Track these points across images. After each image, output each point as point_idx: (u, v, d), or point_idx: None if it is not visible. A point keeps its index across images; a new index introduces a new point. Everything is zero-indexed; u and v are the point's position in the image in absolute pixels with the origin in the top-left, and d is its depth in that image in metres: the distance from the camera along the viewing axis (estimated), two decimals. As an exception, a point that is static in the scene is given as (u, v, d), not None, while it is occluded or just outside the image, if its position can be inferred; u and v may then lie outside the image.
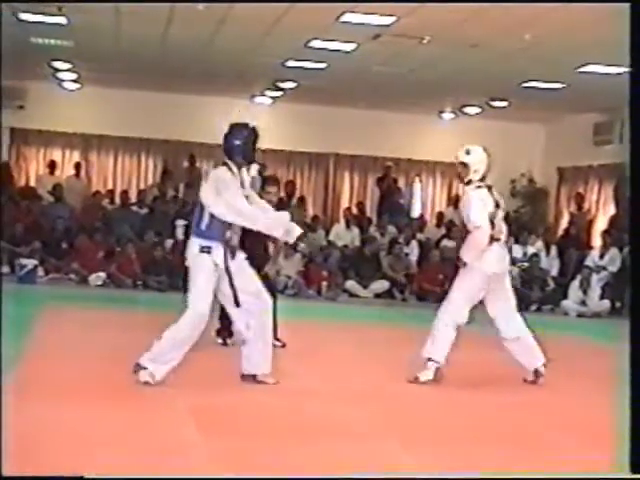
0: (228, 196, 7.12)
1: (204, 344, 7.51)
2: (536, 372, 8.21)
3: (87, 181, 20.26)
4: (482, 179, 8.06)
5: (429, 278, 16.18)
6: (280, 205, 18.73)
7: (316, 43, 13.89)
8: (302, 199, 19.95)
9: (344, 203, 21.34)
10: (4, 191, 17.66)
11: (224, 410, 6.60)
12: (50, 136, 20.59)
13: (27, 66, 17.84)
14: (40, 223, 16.43)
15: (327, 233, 18.01)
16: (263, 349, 7.36)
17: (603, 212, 19.21)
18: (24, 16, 13.29)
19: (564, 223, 19.96)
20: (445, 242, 17.62)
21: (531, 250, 16.92)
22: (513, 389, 8.16)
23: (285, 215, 7.47)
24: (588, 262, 16.27)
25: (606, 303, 15.42)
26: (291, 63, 15.71)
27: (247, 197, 7.39)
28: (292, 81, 17.68)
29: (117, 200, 18.44)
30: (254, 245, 8.55)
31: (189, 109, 19.70)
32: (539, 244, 17.28)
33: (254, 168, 21.06)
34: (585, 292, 15.58)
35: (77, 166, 19.89)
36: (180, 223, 16.53)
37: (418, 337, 8.27)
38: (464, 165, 8.06)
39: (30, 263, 14.69)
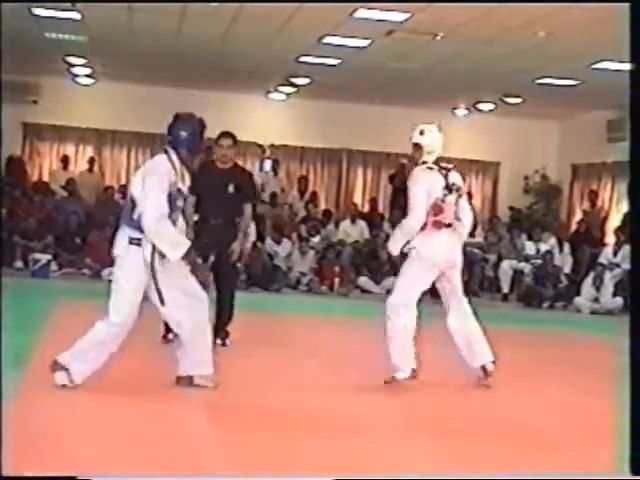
0: (148, 188, 6.55)
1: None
2: (484, 369, 7.81)
3: (100, 176, 20.29)
4: (436, 161, 7.66)
5: (442, 274, 16.14)
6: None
7: (330, 39, 13.88)
8: (314, 195, 19.97)
9: (357, 199, 21.33)
10: (17, 186, 17.73)
11: (237, 407, 6.61)
12: (64, 131, 20.62)
13: (41, 61, 17.91)
14: (53, 218, 16.48)
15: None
16: (200, 349, 6.86)
17: (616, 209, 19.15)
18: (38, 11, 13.33)
19: (577, 220, 19.92)
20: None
21: (544, 247, 16.88)
22: (515, 386, 8.14)
23: (186, 242, 6.67)
24: (601, 259, 16.23)
25: (619, 300, 15.38)
26: (305, 59, 15.70)
27: (184, 198, 6.83)
28: (306, 77, 17.67)
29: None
30: (221, 220, 8.35)
31: (203, 104, 19.58)
32: (552, 241, 17.25)
33: (267, 164, 21.00)
34: (598, 289, 15.55)
35: (91, 161, 19.94)
36: (195, 218, 16.54)
37: (430, 333, 8.26)
38: (417, 146, 7.64)
39: (44, 258, 14.74)
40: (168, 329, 8.38)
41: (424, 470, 5.33)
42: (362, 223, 17.92)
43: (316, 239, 17.07)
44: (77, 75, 19.41)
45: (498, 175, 22.16)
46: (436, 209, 7.47)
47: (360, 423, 6.40)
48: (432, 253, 7.48)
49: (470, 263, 16.87)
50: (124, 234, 6.60)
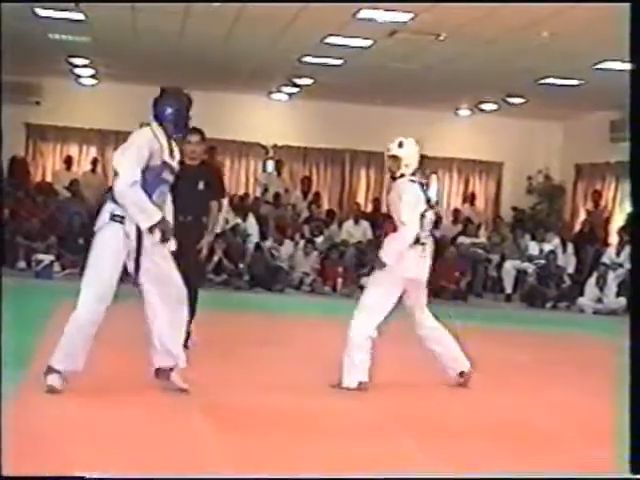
0: (124, 157, 6.46)
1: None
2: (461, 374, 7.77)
3: (103, 177, 20.29)
4: (413, 174, 7.52)
5: (444, 275, 16.14)
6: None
7: (333, 39, 13.88)
8: (318, 195, 19.97)
9: (360, 200, 21.33)
10: (21, 187, 17.74)
11: (237, 408, 6.60)
12: (67, 132, 20.63)
13: (44, 62, 17.92)
14: (56, 218, 16.48)
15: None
16: (176, 339, 6.73)
17: (620, 209, 19.14)
18: (41, 12, 13.33)
19: (581, 220, 19.91)
20: (461, 239, 17.61)
21: (547, 247, 16.89)
22: (516, 386, 8.14)
23: (158, 213, 6.50)
24: (604, 259, 16.22)
25: (622, 300, 15.37)
26: (308, 59, 15.70)
27: (172, 172, 6.67)
28: (309, 77, 17.66)
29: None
30: (191, 218, 8.14)
31: (206, 105, 19.62)
32: (555, 241, 17.24)
33: (270, 165, 21.04)
34: (601, 289, 15.54)
35: (94, 162, 19.95)
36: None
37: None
38: (395, 158, 7.46)
39: (47, 258, 14.74)
40: None
41: (427, 469, 5.33)
42: (365, 223, 17.92)
43: (319, 239, 17.07)
44: (80, 76, 19.43)
45: (501, 175, 22.15)
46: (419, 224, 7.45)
47: (361, 423, 6.40)
48: (403, 269, 7.39)
49: (473, 263, 16.90)
50: (106, 210, 6.47)
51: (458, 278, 16.22)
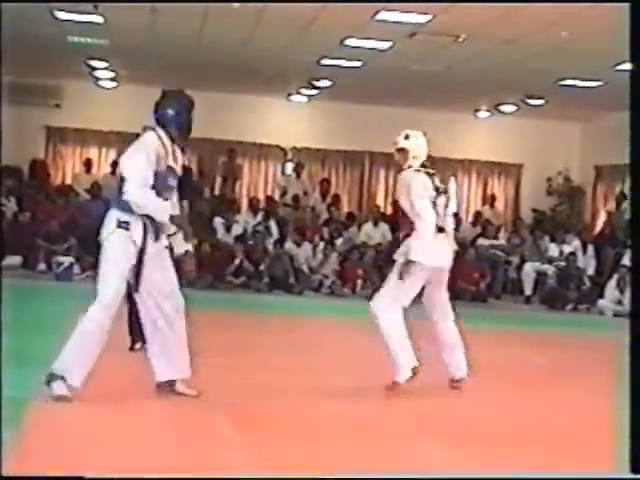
0: (133, 161, 6.34)
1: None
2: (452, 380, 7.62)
3: (123, 179, 20.32)
4: (423, 166, 7.43)
5: (464, 277, 16.11)
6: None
7: (352, 41, 13.88)
8: (337, 197, 19.95)
9: (379, 201, 21.30)
10: (41, 189, 17.81)
11: (256, 409, 6.60)
12: (86, 134, 20.70)
13: (64, 65, 17.99)
14: (76, 221, 16.53)
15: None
16: (179, 352, 6.56)
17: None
18: (60, 15, 13.38)
19: (603, 221, 19.81)
20: (481, 241, 17.57)
21: (567, 249, 16.83)
22: (533, 389, 8.10)
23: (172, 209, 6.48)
24: (625, 261, 16.14)
25: (643, 302, 15.27)
26: (327, 61, 15.71)
27: (176, 177, 6.54)
28: (327, 79, 17.67)
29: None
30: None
31: (225, 107, 19.72)
32: (576, 243, 17.18)
33: (290, 167, 21.04)
34: (622, 291, 15.46)
35: (113, 164, 19.95)
36: (218, 221, 16.62)
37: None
38: (403, 151, 7.47)
39: (66, 260, 14.79)
40: (134, 339, 8.18)
41: (432, 469, 5.33)
42: (384, 225, 17.89)
43: (338, 241, 17.06)
44: (100, 78, 19.48)
45: (520, 177, 22.07)
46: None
47: (380, 425, 6.38)
48: (425, 259, 7.25)
49: (493, 265, 16.85)
50: (112, 217, 6.40)
51: (477, 280, 16.19)
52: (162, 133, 6.46)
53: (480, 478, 5.19)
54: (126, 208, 6.31)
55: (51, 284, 14.01)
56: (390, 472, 5.16)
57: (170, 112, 6.51)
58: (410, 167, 7.42)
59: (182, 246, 6.65)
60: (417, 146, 7.48)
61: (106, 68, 18.34)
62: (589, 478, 5.19)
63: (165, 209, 6.38)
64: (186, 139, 6.73)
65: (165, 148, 6.43)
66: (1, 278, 9.25)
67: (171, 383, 6.62)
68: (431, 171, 7.48)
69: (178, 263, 6.65)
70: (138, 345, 8.05)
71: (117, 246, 6.34)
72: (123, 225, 6.32)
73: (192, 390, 6.63)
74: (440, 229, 7.41)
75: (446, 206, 7.52)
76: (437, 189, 7.40)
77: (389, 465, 5.35)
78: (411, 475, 5.14)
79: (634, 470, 4.63)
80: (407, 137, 7.53)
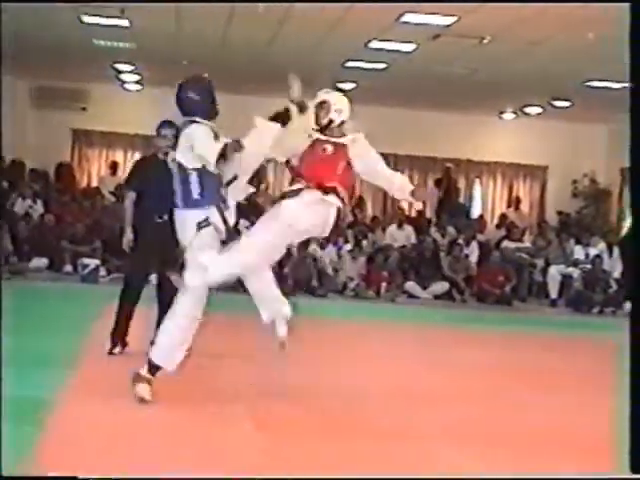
0: (209, 144, 6.36)
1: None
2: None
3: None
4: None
5: (489, 279, 16.07)
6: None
7: (376, 44, 13.87)
8: (361, 199, 19.93)
9: (403, 204, 21.25)
10: (66, 192, 17.90)
11: (281, 410, 6.60)
12: (112, 137, 20.80)
13: (90, 68, 18.08)
14: (102, 223, 16.60)
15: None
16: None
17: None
18: (87, 19, 13.45)
19: (627, 224, 19.71)
20: (506, 243, 17.51)
21: (593, 251, 16.74)
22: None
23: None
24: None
25: (670, 305, 15.17)
26: (351, 64, 15.71)
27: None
28: (352, 82, 17.67)
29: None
30: (168, 218, 7.17)
31: (249, 110, 19.67)
32: (601, 245, 17.08)
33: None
34: (648, 294, 15.36)
35: (113, 165, 20.06)
36: (243, 224, 16.61)
37: (477, 339, 8.21)
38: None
39: (92, 263, 14.84)
40: (114, 343, 8.02)
41: (437, 470, 5.34)
42: (409, 228, 17.87)
43: (363, 244, 17.03)
44: (125, 81, 19.57)
45: (546, 179, 22.00)
46: None
47: (406, 428, 6.38)
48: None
49: (518, 268, 16.79)
50: (188, 219, 6.30)
51: (503, 283, 16.13)
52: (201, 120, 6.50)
53: (480, 478, 5.19)
54: (205, 203, 6.28)
55: (77, 286, 14.07)
56: (409, 474, 5.17)
57: (195, 97, 6.67)
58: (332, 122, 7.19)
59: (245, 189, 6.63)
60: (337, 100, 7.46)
61: (131, 71, 18.43)
62: (589, 478, 5.18)
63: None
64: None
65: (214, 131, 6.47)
66: (1, 278, 9.33)
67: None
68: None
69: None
70: (117, 349, 7.98)
71: (206, 245, 6.25)
72: (204, 224, 6.26)
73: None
74: None
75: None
76: None
77: (408, 469, 5.35)
78: (424, 476, 5.15)
79: (634, 470, 4.60)
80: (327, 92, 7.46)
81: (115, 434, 5.62)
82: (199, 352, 6.80)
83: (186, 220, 6.33)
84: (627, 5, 10.58)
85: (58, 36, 14.79)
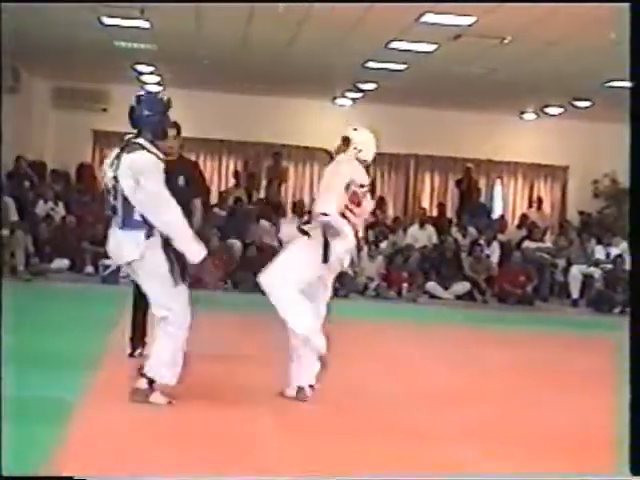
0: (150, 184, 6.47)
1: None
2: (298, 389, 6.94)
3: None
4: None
5: (510, 280, 16.04)
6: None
7: (396, 44, 13.85)
8: (382, 200, 19.92)
9: (425, 204, 21.25)
10: (87, 192, 17.96)
11: (304, 411, 6.61)
12: (133, 138, 20.84)
13: (110, 69, 18.15)
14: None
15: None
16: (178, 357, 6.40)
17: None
18: (107, 20, 13.49)
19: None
20: (527, 243, 17.46)
21: (615, 251, 16.67)
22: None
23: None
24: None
25: (692, 306, 15.09)
26: (371, 64, 15.69)
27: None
28: (372, 82, 17.66)
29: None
30: None
31: (270, 111, 19.79)
32: (623, 245, 17.00)
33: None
34: (671, 294, 15.28)
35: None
36: (264, 224, 16.67)
37: (497, 339, 8.19)
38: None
39: (113, 263, 14.86)
40: (134, 345, 8.05)
41: (457, 470, 5.33)
42: (430, 228, 17.85)
43: (384, 244, 17.02)
44: (146, 83, 19.62)
45: (567, 179, 21.94)
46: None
47: (424, 429, 6.37)
48: None
49: (539, 268, 16.74)
50: (126, 239, 6.70)
51: (524, 283, 16.09)
52: (151, 148, 6.79)
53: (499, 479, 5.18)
54: (141, 225, 6.59)
55: (98, 287, 14.12)
56: (430, 474, 5.16)
57: (146, 113, 6.82)
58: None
59: None
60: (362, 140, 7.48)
61: (152, 72, 18.47)
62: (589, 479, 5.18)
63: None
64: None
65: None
66: (1, 279, 9.35)
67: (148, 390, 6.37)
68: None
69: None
70: (138, 351, 7.96)
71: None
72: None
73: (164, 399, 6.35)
74: None
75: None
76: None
77: (430, 468, 5.34)
78: (445, 477, 5.14)
79: (634, 470, 4.58)
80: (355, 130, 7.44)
81: (134, 435, 5.64)
82: (218, 353, 6.83)
83: (124, 239, 6.65)
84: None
85: (79, 37, 14.85)
